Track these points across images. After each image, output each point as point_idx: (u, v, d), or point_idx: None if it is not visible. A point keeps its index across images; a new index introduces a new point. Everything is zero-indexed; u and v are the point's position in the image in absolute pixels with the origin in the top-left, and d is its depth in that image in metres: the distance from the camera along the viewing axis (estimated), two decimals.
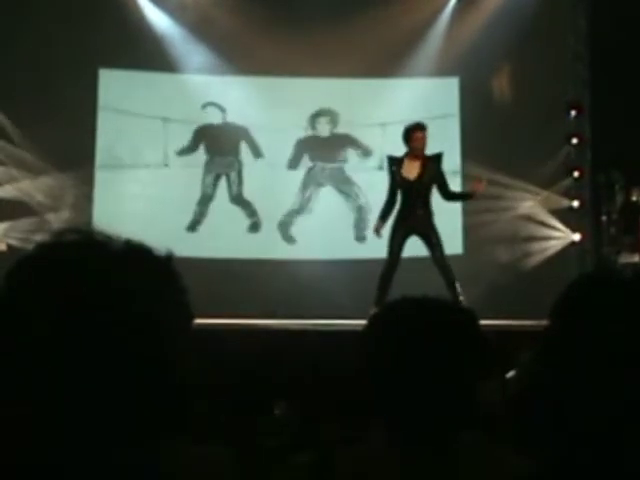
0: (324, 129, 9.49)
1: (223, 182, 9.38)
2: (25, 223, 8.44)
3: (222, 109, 9.36)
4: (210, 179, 9.34)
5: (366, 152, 9.42)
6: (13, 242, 8.20)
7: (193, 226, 9.22)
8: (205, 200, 9.31)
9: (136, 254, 1.03)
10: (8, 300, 0.99)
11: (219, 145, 9.41)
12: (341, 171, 9.50)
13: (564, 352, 1.24)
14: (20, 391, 0.96)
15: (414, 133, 6.84)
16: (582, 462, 1.13)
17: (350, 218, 9.37)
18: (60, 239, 1.03)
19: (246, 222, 9.31)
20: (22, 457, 0.95)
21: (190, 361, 1.04)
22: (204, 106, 9.31)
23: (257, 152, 9.38)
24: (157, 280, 1.03)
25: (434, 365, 1.45)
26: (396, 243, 6.87)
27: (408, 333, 1.48)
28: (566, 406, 1.18)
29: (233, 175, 9.37)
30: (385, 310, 1.59)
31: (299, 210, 9.36)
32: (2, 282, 1.01)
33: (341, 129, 9.49)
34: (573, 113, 9.27)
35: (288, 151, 9.41)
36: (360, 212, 9.33)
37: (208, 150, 9.38)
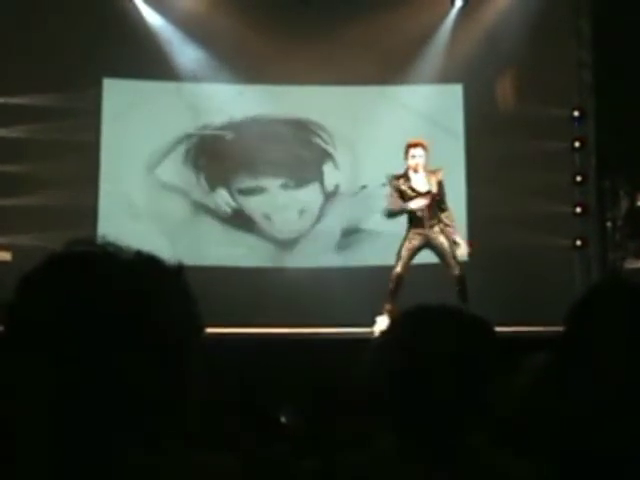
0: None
1: (223, 192, 9.38)
2: (30, 234, 8.43)
3: (222, 116, 9.38)
4: (208, 188, 9.36)
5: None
6: (18, 252, 8.20)
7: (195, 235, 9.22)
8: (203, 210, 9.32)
9: (147, 265, 1.04)
10: (20, 309, 0.99)
11: (217, 154, 9.43)
12: (347, 181, 9.50)
13: (582, 356, 1.24)
14: (29, 392, 0.96)
15: (410, 149, 7.03)
16: (593, 467, 1.13)
17: (356, 227, 9.38)
18: (71, 249, 1.03)
19: (249, 230, 9.33)
20: (25, 456, 0.95)
21: (199, 371, 1.04)
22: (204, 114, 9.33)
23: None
24: (168, 291, 1.03)
25: (449, 371, 1.45)
26: (407, 253, 7.01)
27: (425, 339, 1.48)
28: (584, 409, 1.18)
29: (234, 186, 9.38)
30: (402, 317, 1.60)
31: (299, 217, 9.37)
32: (13, 291, 1.01)
33: (345, 138, 9.49)
34: (577, 118, 9.26)
35: (292, 159, 9.42)
36: (367, 221, 9.33)
37: (209, 161, 9.41)
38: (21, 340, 0.97)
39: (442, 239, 7.03)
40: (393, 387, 1.48)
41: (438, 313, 1.54)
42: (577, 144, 9.24)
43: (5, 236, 8.59)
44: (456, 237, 7.07)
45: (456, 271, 6.98)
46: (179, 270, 1.06)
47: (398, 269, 7.01)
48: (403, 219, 7.17)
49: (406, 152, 7.07)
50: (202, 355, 1.05)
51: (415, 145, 7.04)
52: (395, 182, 7.07)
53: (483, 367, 1.48)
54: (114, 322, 0.97)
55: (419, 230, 7.02)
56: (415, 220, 7.04)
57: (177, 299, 1.04)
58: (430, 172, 7.06)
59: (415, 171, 7.01)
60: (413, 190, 6.99)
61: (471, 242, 7.17)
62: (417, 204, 6.95)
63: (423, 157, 7.01)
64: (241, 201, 9.38)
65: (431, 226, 7.00)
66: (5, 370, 0.97)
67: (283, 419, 4.28)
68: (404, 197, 7.02)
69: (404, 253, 7.02)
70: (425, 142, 7.11)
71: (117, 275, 1.00)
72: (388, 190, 7.15)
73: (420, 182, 7.03)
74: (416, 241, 7.02)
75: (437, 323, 1.51)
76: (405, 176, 7.05)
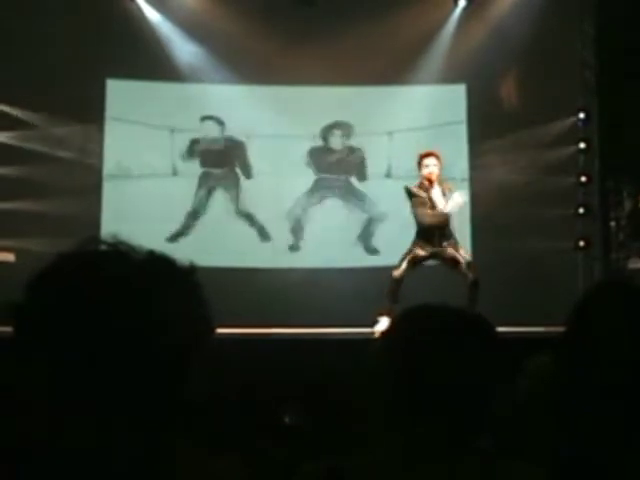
0: (337, 142, 9.50)
1: (217, 195, 9.38)
2: (32, 237, 8.42)
3: (220, 122, 9.37)
4: (203, 192, 9.35)
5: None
6: (20, 254, 8.21)
7: (175, 237, 9.18)
8: (195, 213, 9.31)
9: (158, 265, 1.03)
10: (30, 309, 0.99)
11: (215, 158, 9.42)
12: (349, 182, 9.49)
13: (582, 356, 1.24)
14: (36, 392, 0.96)
15: (423, 159, 7.00)
16: (596, 468, 1.12)
17: (357, 229, 9.39)
18: (82, 248, 1.03)
19: (250, 232, 9.33)
20: (26, 456, 0.95)
21: (205, 373, 1.04)
22: (202, 119, 9.32)
23: (248, 172, 9.39)
24: (178, 292, 1.03)
25: (451, 371, 1.45)
26: (410, 260, 7.00)
27: (427, 339, 1.48)
28: (585, 409, 1.17)
29: (229, 187, 9.38)
30: (404, 316, 1.59)
31: (300, 219, 9.37)
32: (19, 291, 1.01)
33: (349, 138, 9.49)
34: (581, 119, 9.25)
35: (294, 160, 9.42)
36: (369, 223, 9.34)
37: (203, 163, 9.40)
38: (31, 340, 0.97)
39: (451, 251, 7.01)
40: (394, 387, 1.48)
41: (439, 313, 1.53)
42: (582, 145, 9.21)
43: (8, 239, 8.59)
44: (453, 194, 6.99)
45: (470, 276, 6.96)
46: (191, 271, 1.06)
47: (395, 273, 7.00)
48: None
49: (419, 163, 7.02)
50: (209, 356, 1.05)
51: (427, 155, 7.01)
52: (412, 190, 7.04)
53: (485, 367, 1.47)
54: (124, 321, 0.97)
55: (427, 245, 7.01)
56: (425, 234, 7.01)
57: (187, 300, 1.04)
58: (445, 186, 7.02)
59: (430, 182, 6.96)
60: (430, 200, 6.95)
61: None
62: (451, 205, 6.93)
63: (437, 166, 6.96)
64: (239, 203, 9.40)
65: (441, 244, 7.00)
66: (13, 370, 0.97)
67: (286, 420, 4.28)
68: (420, 202, 6.99)
69: (407, 259, 7.01)
70: (437, 152, 7.08)
71: (128, 274, 1.00)
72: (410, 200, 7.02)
73: (437, 196, 6.95)
74: (422, 252, 7.01)
75: (438, 323, 1.51)
76: (422, 186, 6.99)
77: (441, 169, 7.02)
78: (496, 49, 9.01)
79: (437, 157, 7.02)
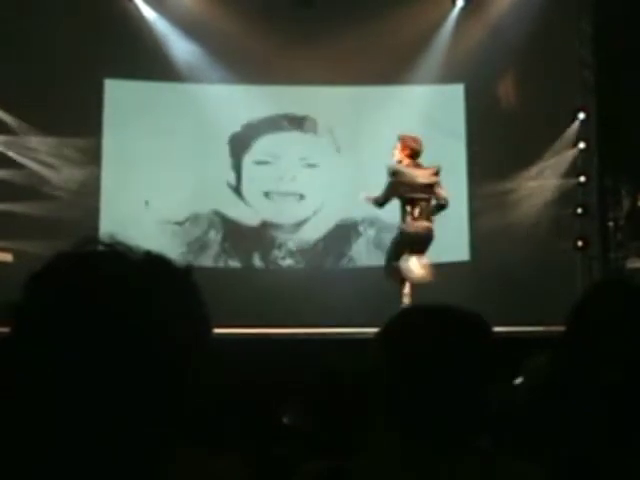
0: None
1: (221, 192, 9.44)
2: (31, 237, 8.42)
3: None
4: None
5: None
6: (20, 254, 8.21)
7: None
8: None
9: (156, 265, 1.04)
10: (27, 309, 0.99)
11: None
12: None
13: (581, 356, 1.24)
14: (35, 393, 0.96)
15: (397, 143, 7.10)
16: (596, 468, 1.12)
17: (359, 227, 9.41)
18: (79, 249, 1.03)
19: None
20: (24, 457, 0.95)
21: (205, 373, 1.04)
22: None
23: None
24: (176, 292, 1.03)
25: (449, 371, 1.45)
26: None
27: (423, 338, 1.48)
28: (584, 409, 1.17)
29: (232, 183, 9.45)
30: (400, 316, 1.60)
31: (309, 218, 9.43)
32: (17, 291, 1.01)
33: (347, 137, 9.51)
34: (580, 118, 9.25)
35: (292, 158, 9.44)
36: (368, 222, 9.37)
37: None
38: (30, 340, 0.97)
39: None
40: (394, 387, 1.48)
41: (439, 313, 1.53)
42: (581, 145, 9.22)
43: (6, 240, 8.59)
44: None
45: None
46: (188, 270, 1.06)
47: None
48: None
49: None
50: (208, 356, 1.05)
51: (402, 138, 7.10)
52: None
53: (484, 367, 1.47)
54: (122, 321, 0.97)
55: None
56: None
57: (186, 299, 1.04)
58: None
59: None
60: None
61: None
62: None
63: (396, 149, 7.01)
64: (244, 197, 9.43)
65: None
66: (13, 370, 0.97)
67: (285, 420, 4.28)
68: None
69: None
70: (406, 137, 7.08)
71: (126, 274, 1.00)
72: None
73: None
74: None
75: (438, 323, 1.51)
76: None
77: (399, 153, 7.01)
78: (494, 49, 9.02)
79: (399, 139, 7.04)
